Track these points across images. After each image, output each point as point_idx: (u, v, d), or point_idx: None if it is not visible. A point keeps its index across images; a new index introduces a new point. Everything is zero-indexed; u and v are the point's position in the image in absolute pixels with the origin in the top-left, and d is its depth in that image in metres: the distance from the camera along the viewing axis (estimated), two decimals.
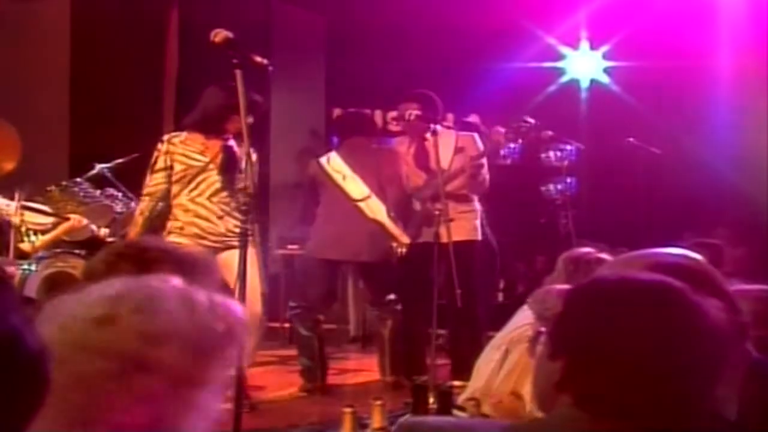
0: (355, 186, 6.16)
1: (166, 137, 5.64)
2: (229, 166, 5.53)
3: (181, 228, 5.49)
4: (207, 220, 5.51)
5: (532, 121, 6.25)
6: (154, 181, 5.56)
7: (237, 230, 5.46)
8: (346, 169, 6.19)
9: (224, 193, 5.53)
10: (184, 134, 5.61)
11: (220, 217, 5.51)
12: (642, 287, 1.65)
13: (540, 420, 1.75)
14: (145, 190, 5.61)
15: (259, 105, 5.62)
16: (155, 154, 5.58)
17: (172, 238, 5.44)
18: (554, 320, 1.72)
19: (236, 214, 5.46)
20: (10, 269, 5.71)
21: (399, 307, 6.28)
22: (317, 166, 6.25)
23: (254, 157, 5.59)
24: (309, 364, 6.13)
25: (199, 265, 2.06)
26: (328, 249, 6.12)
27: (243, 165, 5.51)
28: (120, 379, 1.18)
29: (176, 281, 1.29)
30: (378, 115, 9.87)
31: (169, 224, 5.59)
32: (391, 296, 6.27)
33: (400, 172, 6.28)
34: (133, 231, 5.58)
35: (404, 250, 6.12)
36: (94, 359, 1.19)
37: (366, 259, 6.17)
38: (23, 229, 5.85)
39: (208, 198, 5.52)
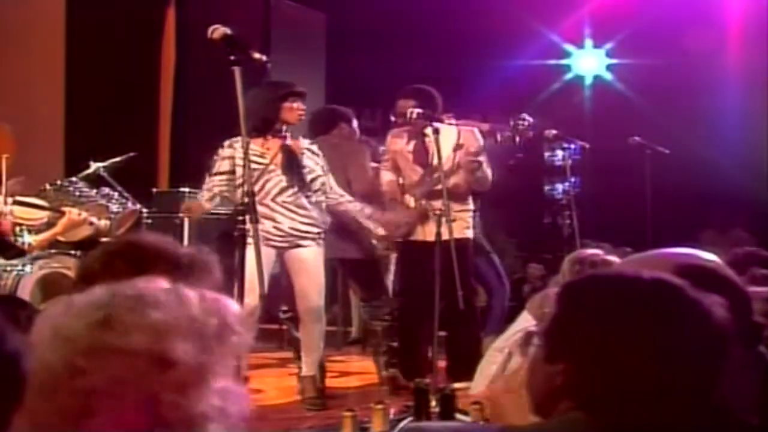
0: None
1: (227, 142, 5.62)
2: (290, 164, 5.61)
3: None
4: (272, 220, 5.52)
5: (530, 119, 6.08)
6: (212, 183, 5.62)
7: (304, 228, 5.50)
8: None
9: (289, 192, 5.59)
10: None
11: (286, 216, 5.54)
12: (640, 285, 1.59)
13: (542, 424, 1.67)
14: (205, 187, 5.66)
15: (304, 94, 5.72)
16: (215, 157, 5.64)
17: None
18: (549, 320, 1.65)
19: (302, 212, 5.52)
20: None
21: (394, 304, 6.23)
22: None
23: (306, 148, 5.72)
24: None
25: (197, 264, 2.03)
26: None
27: (303, 161, 5.59)
28: (141, 376, 1.15)
29: (163, 282, 1.26)
30: (379, 112, 9.80)
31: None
32: (387, 293, 6.24)
33: (367, 167, 6.31)
34: (203, 203, 5.65)
35: (382, 243, 6.11)
36: (110, 361, 1.15)
37: (350, 256, 6.15)
38: (16, 229, 5.78)
39: (273, 198, 5.56)
